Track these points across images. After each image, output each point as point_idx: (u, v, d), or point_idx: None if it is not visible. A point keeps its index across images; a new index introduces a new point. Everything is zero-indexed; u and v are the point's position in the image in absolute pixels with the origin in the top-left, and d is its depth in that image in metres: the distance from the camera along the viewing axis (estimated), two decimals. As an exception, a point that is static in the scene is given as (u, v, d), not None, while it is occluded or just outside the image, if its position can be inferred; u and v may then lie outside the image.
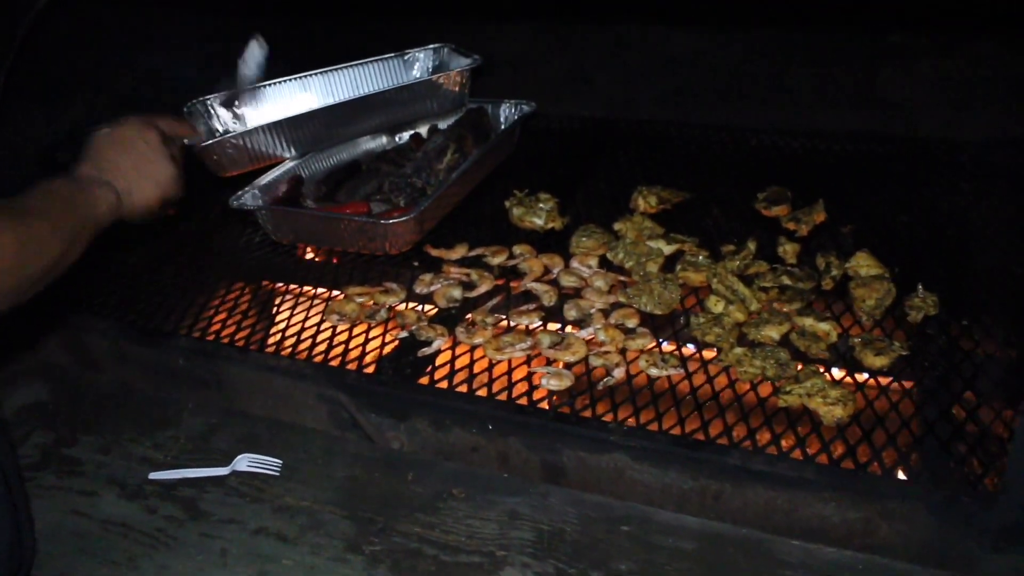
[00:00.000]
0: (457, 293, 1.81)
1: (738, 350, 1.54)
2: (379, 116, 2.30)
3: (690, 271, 1.77)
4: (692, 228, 2.00)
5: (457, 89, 2.35)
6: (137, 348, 1.81)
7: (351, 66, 2.56)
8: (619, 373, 1.54)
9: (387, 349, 1.69)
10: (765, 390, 1.49)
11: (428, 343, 1.67)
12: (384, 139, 2.58)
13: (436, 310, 1.80)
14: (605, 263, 1.89)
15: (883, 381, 1.49)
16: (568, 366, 1.57)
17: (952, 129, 2.27)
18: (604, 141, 2.52)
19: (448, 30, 2.58)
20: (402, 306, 1.82)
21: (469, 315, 1.74)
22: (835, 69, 2.34)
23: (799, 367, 1.50)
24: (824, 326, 1.58)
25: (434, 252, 1.97)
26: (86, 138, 1.46)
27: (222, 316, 1.85)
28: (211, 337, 1.78)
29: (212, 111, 2.46)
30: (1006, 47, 2.15)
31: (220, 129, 2.46)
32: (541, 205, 2.10)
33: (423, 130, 2.56)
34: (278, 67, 2.56)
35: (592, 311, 1.71)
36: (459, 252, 1.96)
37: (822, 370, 1.50)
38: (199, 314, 1.87)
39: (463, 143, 2.27)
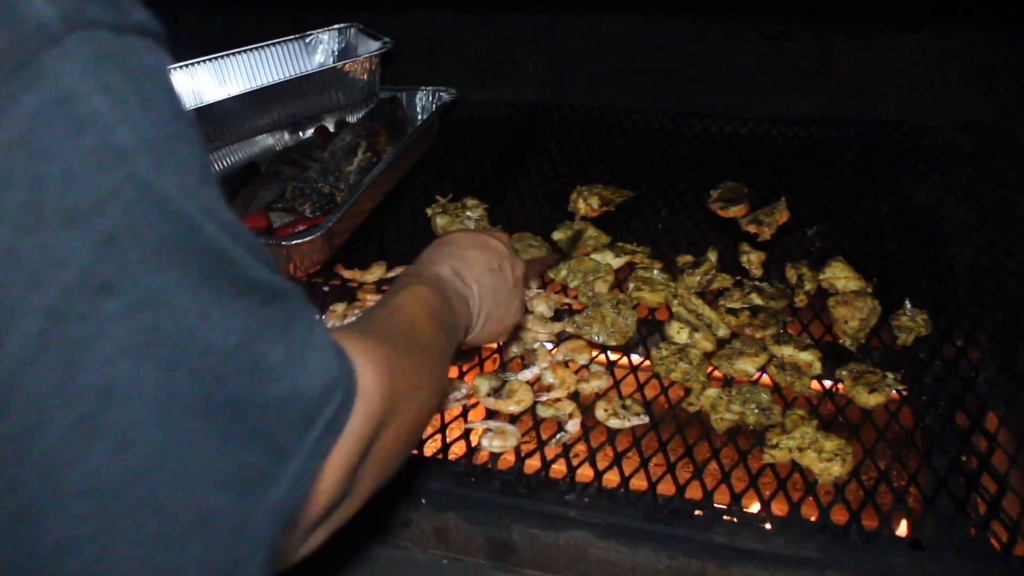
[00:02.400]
0: (376, 327, 1.53)
1: (711, 392, 1.31)
2: (276, 111, 2.01)
3: (645, 290, 1.54)
4: (640, 234, 1.77)
5: (366, 77, 2.07)
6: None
7: (245, 51, 2.24)
8: (573, 427, 1.29)
9: (294, 404, 1.41)
10: (746, 439, 1.27)
11: (344, 395, 1.40)
12: (286, 135, 2.27)
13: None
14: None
15: (876, 416, 1.29)
16: (512, 419, 1.33)
17: (913, 112, 2.08)
18: (534, 130, 2.26)
19: (352, 8, 2.28)
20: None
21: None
22: (784, 46, 2.12)
23: (782, 408, 1.28)
24: (806, 356, 1.36)
25: (346, 274, 1.69)
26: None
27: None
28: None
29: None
30: (971, 25, 1.97)
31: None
32: (469, 213, 1.83)
33: (330, 123, 2.27)
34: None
35: (535, 345, 1.46)
36: (376, 273, 1.69)
37: (808, 410, 1.29)
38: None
39: (375, 140, 1.99)
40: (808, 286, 1.52)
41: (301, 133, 2.27)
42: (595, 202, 1.83)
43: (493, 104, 2.37)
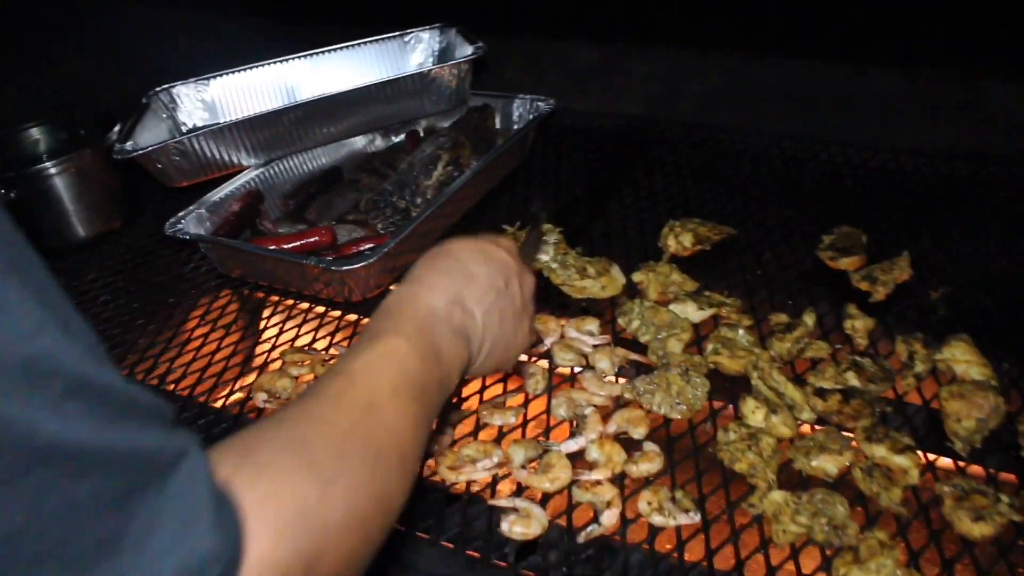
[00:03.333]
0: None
1: (776, 496, 1.11)
2: (357, 116, 1.90)
3: (724, 355, 1.34)
4: (734, 280, 1.56)
5: (455, 84, 1.92)
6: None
7: (341, 48, 2.16)
8: (609, 519, 1.12)
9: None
10: (809, 558, 1.06)
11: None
12: (378, 138, 2.17)
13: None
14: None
15: (980, 551, 1.05)
16: (544, 499, 1.17)
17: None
18: (638, 147, 2.07)
19: (456, 10, 2.13)
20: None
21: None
22: (930, 71, 1.84)
23: (860, 527, 1.07)
24: (901, 460, 1.13)
25: (403, 303, 1.57)
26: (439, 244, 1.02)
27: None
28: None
29: (177, 101, 2.09)
30: None
31: (188, 123, 2.10)
32: (546, 237, 1.68)
33: (422, 127, 2.15)
34: (261, 48, 2.19)
35: (587, 410, 1.29)
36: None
37: (892, 531, 1.06)
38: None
39: (459, 152, 1.85)
40: (919, 367, 1.28)
41: (394, 137, 2.16)
42: (688, 239, 1.63)
43: (598, 115, 2.20)
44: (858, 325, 1.38)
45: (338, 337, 1.54)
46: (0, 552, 0.41)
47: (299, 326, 1.58)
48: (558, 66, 2.23)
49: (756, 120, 2.04)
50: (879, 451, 1.15)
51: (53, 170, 1.80)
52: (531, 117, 2.01)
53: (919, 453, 1.15)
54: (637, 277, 1.55)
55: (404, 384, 0.80)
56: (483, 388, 1.37)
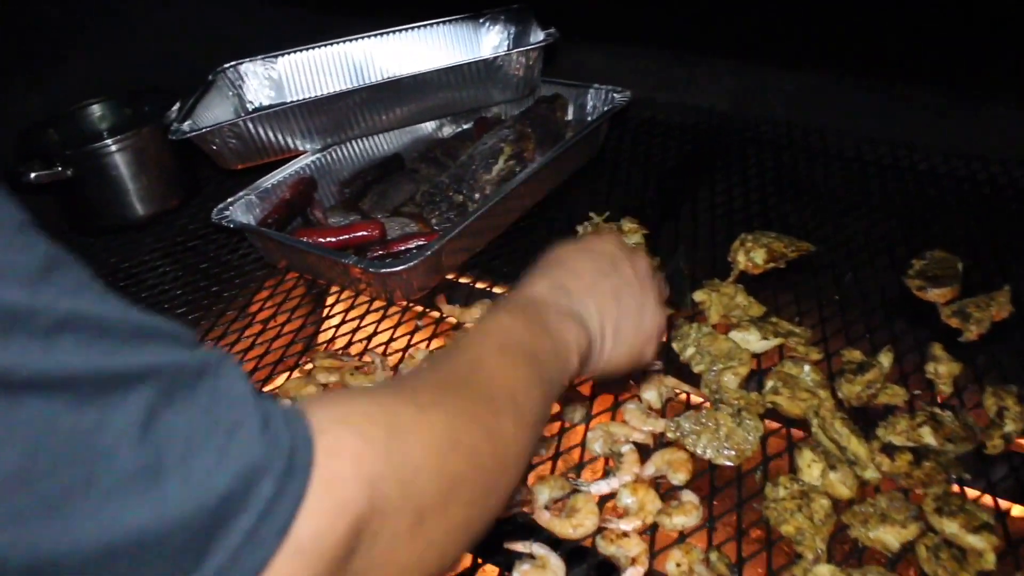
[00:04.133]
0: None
1: (823, 570, 0.97)
2: (418, 103, 1.81)
3: (784, 395, 1.20)
4: (807, 305, 1.41)
5: (522, 72, 1.81)
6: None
7: (413, 28, 2.08)
8: (632, 578, 1.01)
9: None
10: (858, 647, 0.93)
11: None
12: (446, 124, 2.08)
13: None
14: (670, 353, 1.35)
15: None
16: (564, 544, 1.06)
17: None
18: (719, 146, 1.92)
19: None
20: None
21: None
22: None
23: (921, 617, 0.93)
24: (976, 540, 0.98)
25: (445, 309, 1.48)
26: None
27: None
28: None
29: (244, 79, 2.05)
30: None
31: (254, 102, 2.06)
32: (625, 239, 1.56)
33: (492, 114, 2.05)
34: (330, 26, 2.12)
35: (625, 448, 1.18)
36: (476, 312, 1.46)
37: (960, 625, 0.92)
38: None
39: (523, 146, 1.74)
40: (1010, 427, 1.12)
41: (464, 124, 2.07)
42: (760, 256, 1.49)
43: (679, 108, 2.04)
44: (942, 370, 1.22)
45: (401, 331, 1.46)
46: (11, 496, 0.39)
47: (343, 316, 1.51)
48: (638, 54, 2.08)
49: (852, 122, 1.85)
50: (951, 527, 1.00)
51: (112, 148, 1.77)
52: (605, 109, 1.88)
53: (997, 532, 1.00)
54: (699, 296, 1.42)
55: (511, 345, 0.77)
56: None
